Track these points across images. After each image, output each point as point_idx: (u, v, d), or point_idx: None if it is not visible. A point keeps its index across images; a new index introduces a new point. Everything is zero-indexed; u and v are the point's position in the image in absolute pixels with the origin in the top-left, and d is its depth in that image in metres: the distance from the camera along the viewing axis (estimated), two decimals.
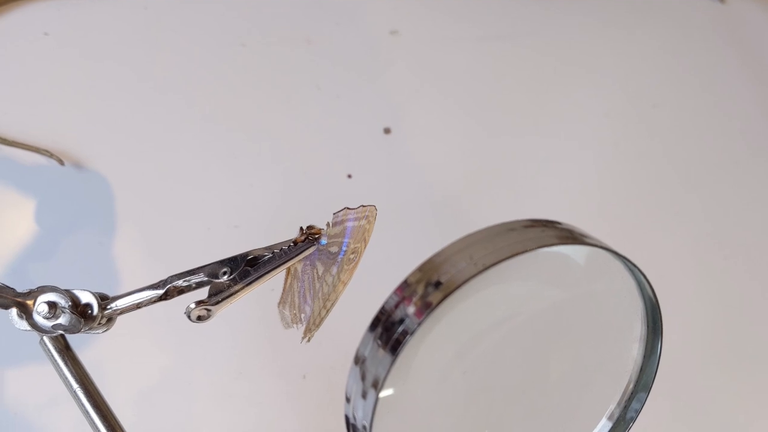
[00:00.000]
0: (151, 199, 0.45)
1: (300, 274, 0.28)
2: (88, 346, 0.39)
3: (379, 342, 0.18)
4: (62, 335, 0.27)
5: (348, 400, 0.18)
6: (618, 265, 0.20)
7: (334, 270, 0.28)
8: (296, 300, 0.28)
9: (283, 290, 0.29)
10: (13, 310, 0.25)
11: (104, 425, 0.25)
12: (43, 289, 0.26)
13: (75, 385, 0.26)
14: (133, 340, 0.40)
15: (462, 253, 0.18)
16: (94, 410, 0.26)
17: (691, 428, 0.45)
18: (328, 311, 0.29)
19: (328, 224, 0.28)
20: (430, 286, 0.18)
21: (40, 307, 0.26)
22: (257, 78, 0.52)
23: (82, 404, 0.26)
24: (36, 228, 0.43)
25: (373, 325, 0.18)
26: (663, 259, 0.50)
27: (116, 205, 0.44)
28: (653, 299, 0.20)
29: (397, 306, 0.18)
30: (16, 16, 0.50)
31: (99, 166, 0.45)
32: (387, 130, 0.52)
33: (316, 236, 0.27)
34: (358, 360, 0.18)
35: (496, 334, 0.20)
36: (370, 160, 0.50)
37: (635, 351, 0.22)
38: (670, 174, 0.54)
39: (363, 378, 0.18)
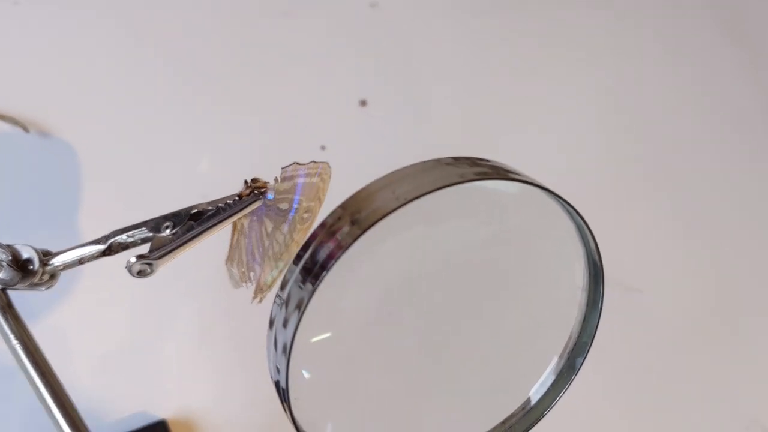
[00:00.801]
0: (118, 169, 0.45)
1: (247, 230, 0.27)
2: (48, 313, 0.38)
3: (301, 276, 0.17)
4: (3, 291, 0.26)
5: (271, 325, 0.18)
6: (556, 207, 0.19)
7: (285, 228, 0.28)
8: (244, 257, 0.28)
9: (230, 246, 0.28)
10: None
11: (42, 382, 0.25)
12: None
13: (14, 341, 0.25)
14: (97, 309, 0.40)
15: (386, 189, 0.18)
16: (32, 366, 0.25)
17: (684, 402, 0.45)
18: (281, 271, 0.28)
19: (276, 179, 0.27)
20: (351, 221, 0.17)
21: None
22: (232, 49, 0.51)
23: (21, 360, 0.25)
24: None
25: (297, 258, 0.18)
26: (658, 246, 0.49)
27: (81, 174, 0.43)
28: (594, 245, 0.20)
29: (320, 241, 0.18)
30: None
31: (64, 135, 0.44)
32: (363, 103, 0.51)
33: (262, 190, 0.27)
34: (284, 287, 0.18)
35: (424, 276, 0.19)
36: (345, 132, 0.49)
37: (578, 300, 0.21)
38: (666, 165, 0.53)
39: (285, 306, 0.17)
